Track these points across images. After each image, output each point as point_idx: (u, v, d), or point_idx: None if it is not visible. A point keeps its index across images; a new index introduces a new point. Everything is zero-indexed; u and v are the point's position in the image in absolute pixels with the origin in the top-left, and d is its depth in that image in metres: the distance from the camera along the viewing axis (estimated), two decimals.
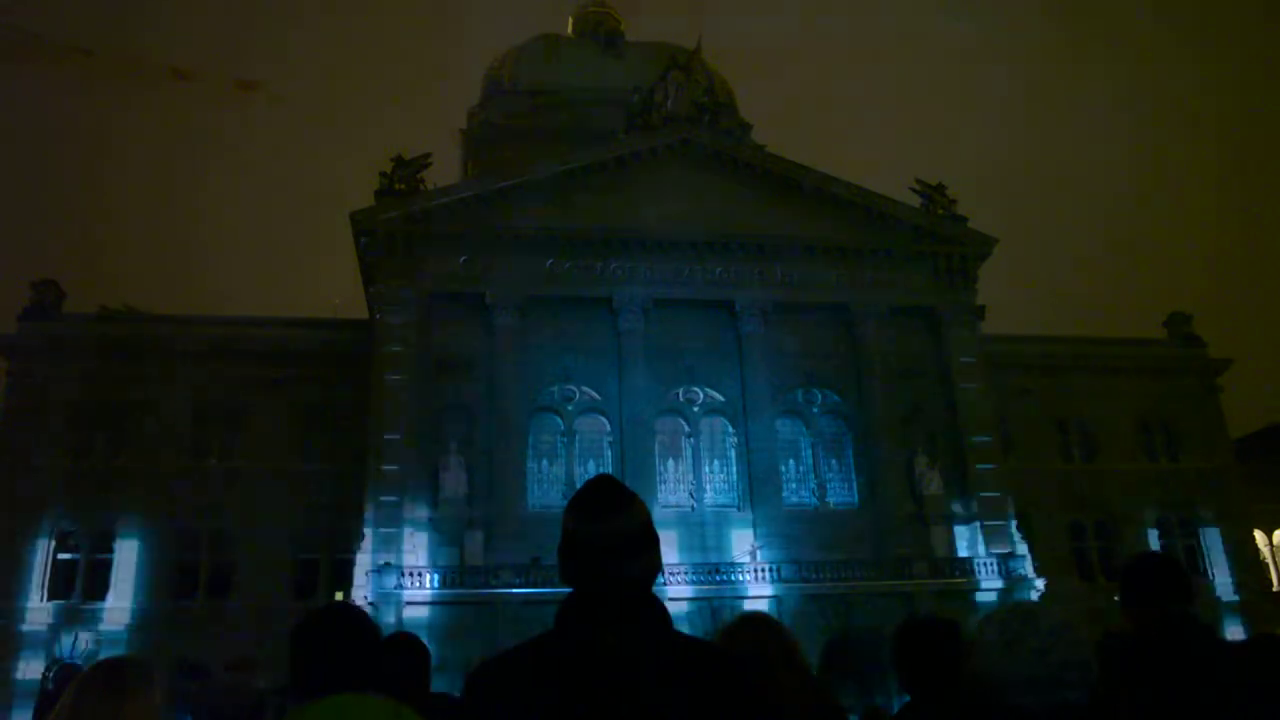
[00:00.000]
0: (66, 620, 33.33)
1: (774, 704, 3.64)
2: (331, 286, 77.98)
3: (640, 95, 40.49)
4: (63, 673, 31.65)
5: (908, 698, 4.27)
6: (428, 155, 37.77)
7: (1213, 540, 41.28)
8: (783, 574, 32.73)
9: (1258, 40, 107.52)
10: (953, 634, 4.23)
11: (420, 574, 31.19)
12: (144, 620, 33.29)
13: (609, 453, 35.35)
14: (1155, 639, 4.08)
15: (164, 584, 34.60)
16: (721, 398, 36.50)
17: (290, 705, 3.23)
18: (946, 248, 39.01)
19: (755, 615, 4.32)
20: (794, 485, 36.31)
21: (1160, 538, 40.89)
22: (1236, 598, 39.72)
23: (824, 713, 4.05)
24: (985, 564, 34.12)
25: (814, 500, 36.30)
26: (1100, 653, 2.93)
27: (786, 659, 3.98)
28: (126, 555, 34.56)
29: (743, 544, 34.06)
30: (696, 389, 36.57)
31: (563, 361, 35.78)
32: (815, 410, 37.41)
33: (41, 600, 33.72)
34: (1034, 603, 27.65)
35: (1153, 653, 4.02)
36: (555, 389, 35.82)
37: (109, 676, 3.55)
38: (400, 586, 30.77)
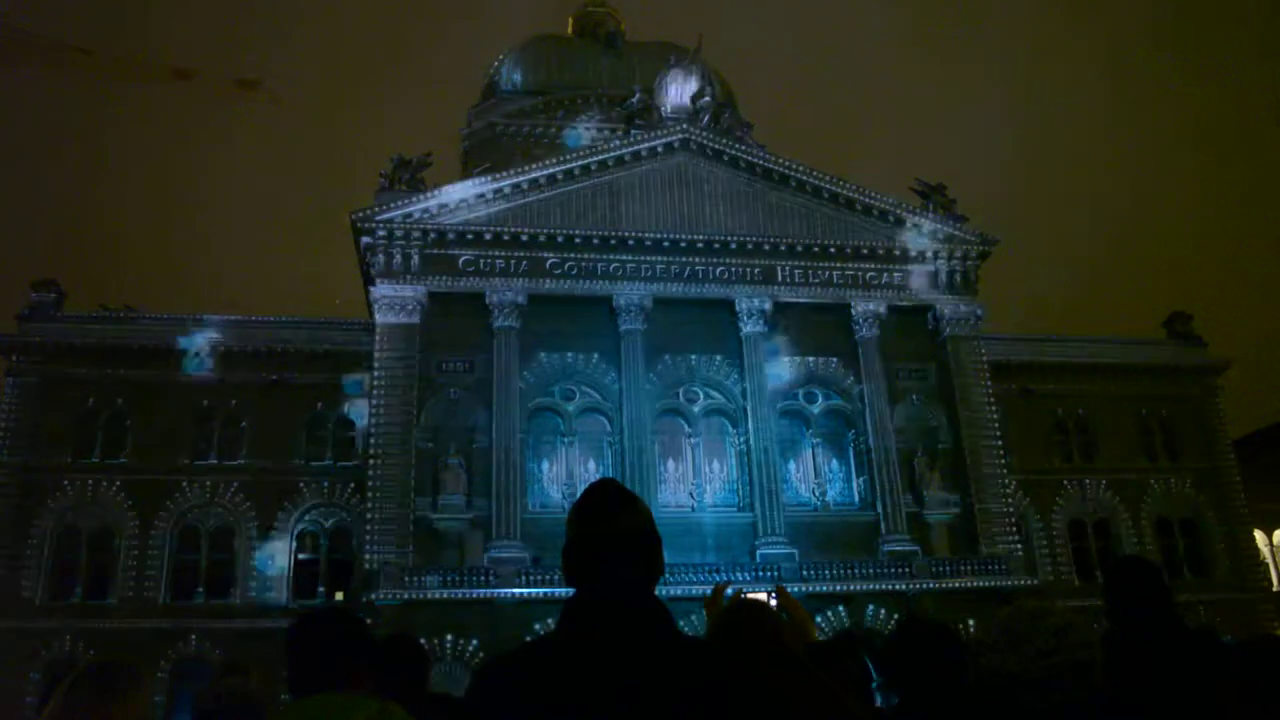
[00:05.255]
0: (67, 620, 33.31)
1: (774, 705, 3.62)
2: (331, 286, 77.95)
3: (640, 95, 40.51)
4: (60, 673, 31.66)
5: (903, 699, 4.24)
6: (428, 155, 37.87)
7: (1213, 540, 41.31)
8: (783, 574, 32.74)
9: (1258, 40, 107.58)
10: (950, 636, 4.22)
11: (420, 574, 31.19)
12: (144, 620, 33.28)
13: (609, 453, 35.37)
14: (1138, 641, 4.09)
15: (164, 584, 34.62)
16: (721, 398, 36.53)
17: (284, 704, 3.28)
18: (946, 248, 39.06)
19: (748, 606, 4.10)
20: (794, 485, 36.33)
21: (1160, 538, 40.95)
22: (1236, 598, 39.73)
23: (827, 710, 3.99)
24: (985, 564, 34.14)
25: (814, 500, 36.32)
26: (1103, 653, 2.93)
27: (783, 653, 3.90)
28: (126, 555, 34.58)
29: (743, 544, 34.11)
30: (696, 389, 36.59)
31: (563, 361, 35.82)
32: (815, 410, 37.42)
33: (43, 600, 33.72)
34: (1038, 604, 27.57)
35: (1152, 654, 4.02)
36: (555, 389, 35.85)
37: (98, 677, 3.56)
38: (400, 586, 30.76)
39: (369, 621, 28.24)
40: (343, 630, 3.38)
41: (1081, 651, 2.75)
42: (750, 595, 4.72)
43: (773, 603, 4.42)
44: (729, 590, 4.64)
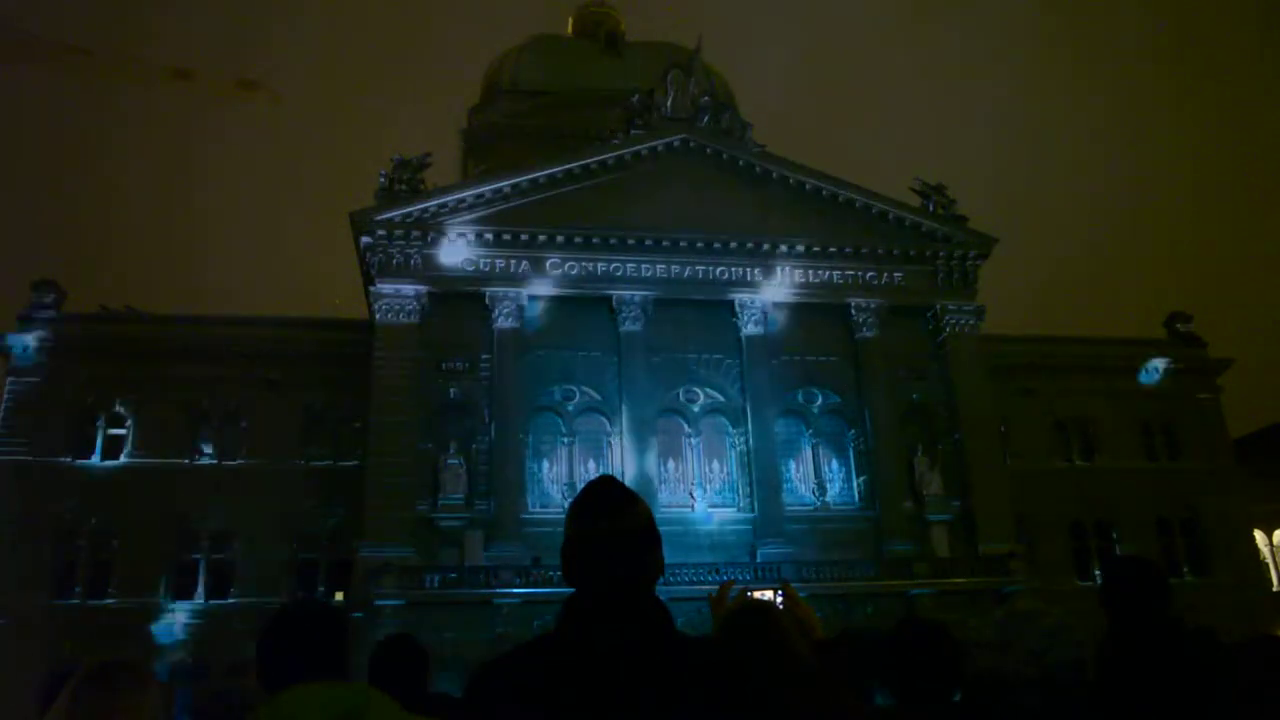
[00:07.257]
0: (67, 619, 33.29)
1: (776, 705, 3.63)
2: (331, 286, 77.96)
3: (640, 95, 40.50)
4: (61, 673, 31.59)
5: (900, 699, 4.25)
6: (428, 155, 37.89)
7: (1213, 541, 41.28)
8: (782, 574, 32.72)
9: (1256, 40, 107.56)
10: (946, 636, 4.22)
11: (420, 574, 31.17)
12: (144, 620, 33.27)
13: (609, 453, 35.37)
14: (1135, 642, 4.09)
15: (164, 583, 34.62)
16: (721, 398, 36.53)
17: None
18: (946, 248, 39.05)
19: (753, 606, 4.10)
20: (794, 485, 36.33)
21: (1160, 538, 40.91)
22: (1236, 598, 39.68)
23: (829, 710, 3.99)
24: (985, 564, 34.11)
25: (814, 500, 36.32)
26: (1097, 653, 2.94)
27: (787, 652, 3.89)
28: (127, 555, 34.58)
29: (743, 544, 34.10)
30: (696, 389, 36.60)
31: (563, 361, 35.82)
32: (815, 410, 37.44)
33: (43, 600, 33.70)
34: (1033, 604, 27.69)
35: (1148, 654, 4.02)
36: (555, 389, 35.85)
37: (103, 678, 3.55)
38: (400, 586, 30.75)
39: (358, 619, 28.29)
40: (314, 622, 3.33)
41: (1075, 651, 2.76)
42: (756, 594, 4.72)
43: (779, 601, 4.42)
44: (734, 589, 4.63)
